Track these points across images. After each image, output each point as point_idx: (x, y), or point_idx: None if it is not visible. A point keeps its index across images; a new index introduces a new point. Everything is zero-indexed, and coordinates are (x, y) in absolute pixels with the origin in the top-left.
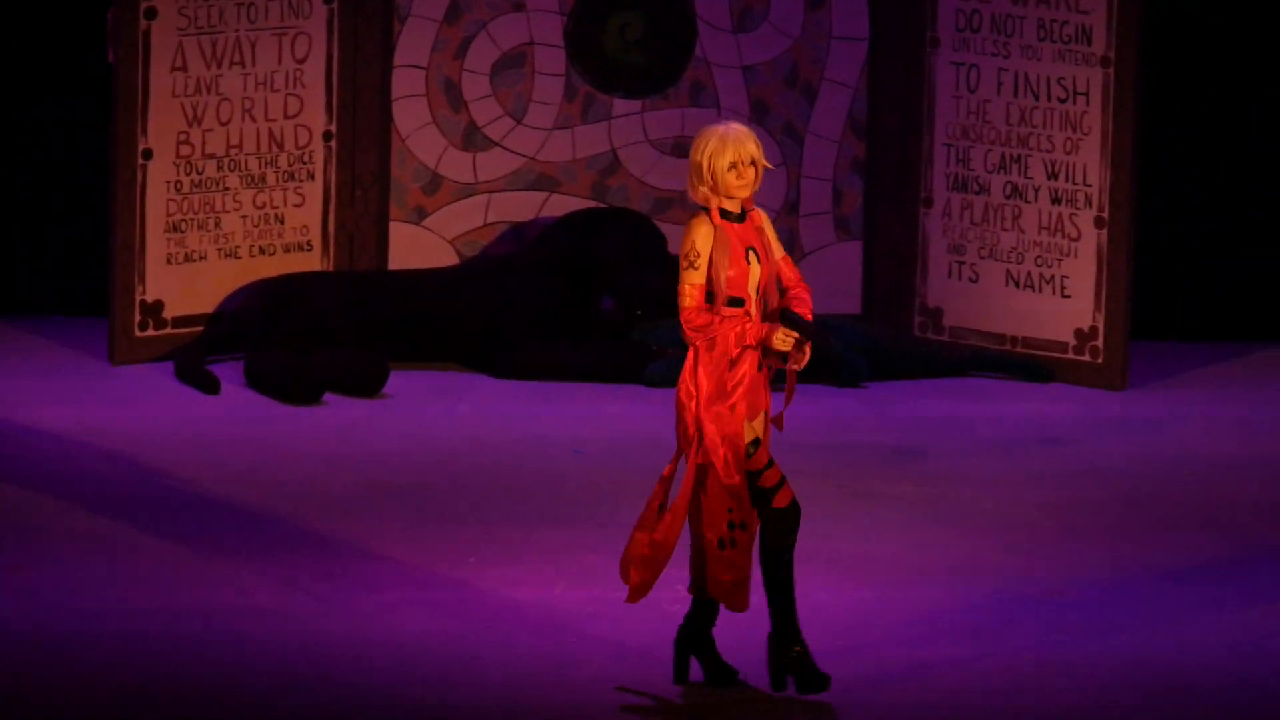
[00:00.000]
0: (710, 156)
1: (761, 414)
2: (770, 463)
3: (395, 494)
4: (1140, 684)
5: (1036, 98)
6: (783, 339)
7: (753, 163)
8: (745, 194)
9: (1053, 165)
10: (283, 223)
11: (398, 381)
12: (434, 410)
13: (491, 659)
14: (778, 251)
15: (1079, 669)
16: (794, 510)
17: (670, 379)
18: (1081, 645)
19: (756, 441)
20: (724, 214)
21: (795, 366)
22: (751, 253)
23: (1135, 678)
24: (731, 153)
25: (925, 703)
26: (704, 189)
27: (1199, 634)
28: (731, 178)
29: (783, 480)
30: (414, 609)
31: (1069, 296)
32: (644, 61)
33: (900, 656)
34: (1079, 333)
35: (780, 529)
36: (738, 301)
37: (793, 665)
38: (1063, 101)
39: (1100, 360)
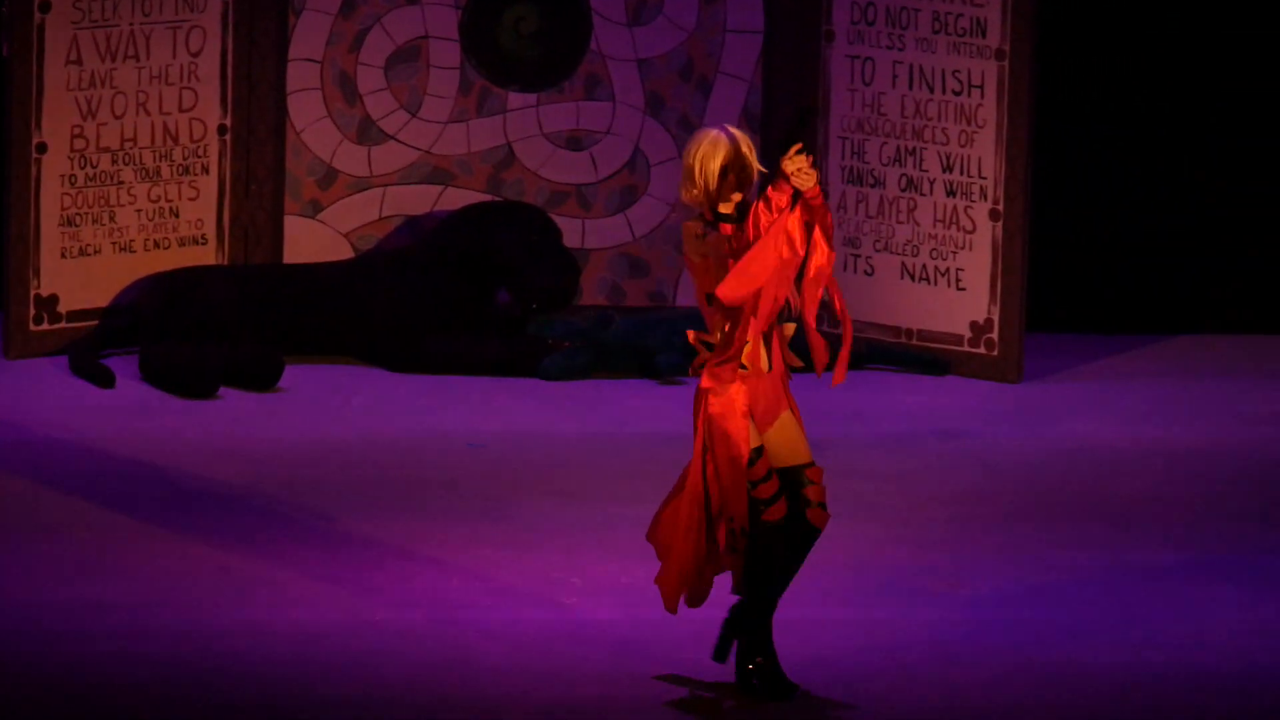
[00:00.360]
0: (702, 160)
1: (777, 422)
2: (769, 475)
3: (291, 488)
4: (1034, 673)
5: (931, 90)
6: (794, 167)
7: (744, 168)
8: (736, 197)
9: (948, 158)
10: (178, 216)
11: (293, 375)
12: (329, 404)
13: (387, 653)
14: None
15: (972, 659)
16: (783, 526)
17: (566, 372)
18: (976, 636)
19: (760, 450)
20: (722, 217)
21: (806, 185)
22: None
23: (1028, 667)
24: (724, 156)
25: (822, 696)
26: (696, 192)
27: (1091, 623)
28: (723, 181)
29: (779, 494)
30: (312, 606)
31: (964, 289)
32: (539, 55)
33: (794, 649)
34: (974, 325)
35: (765, 543)
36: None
37: (758, 673)
38: (957, 94)
39: (996, 353)
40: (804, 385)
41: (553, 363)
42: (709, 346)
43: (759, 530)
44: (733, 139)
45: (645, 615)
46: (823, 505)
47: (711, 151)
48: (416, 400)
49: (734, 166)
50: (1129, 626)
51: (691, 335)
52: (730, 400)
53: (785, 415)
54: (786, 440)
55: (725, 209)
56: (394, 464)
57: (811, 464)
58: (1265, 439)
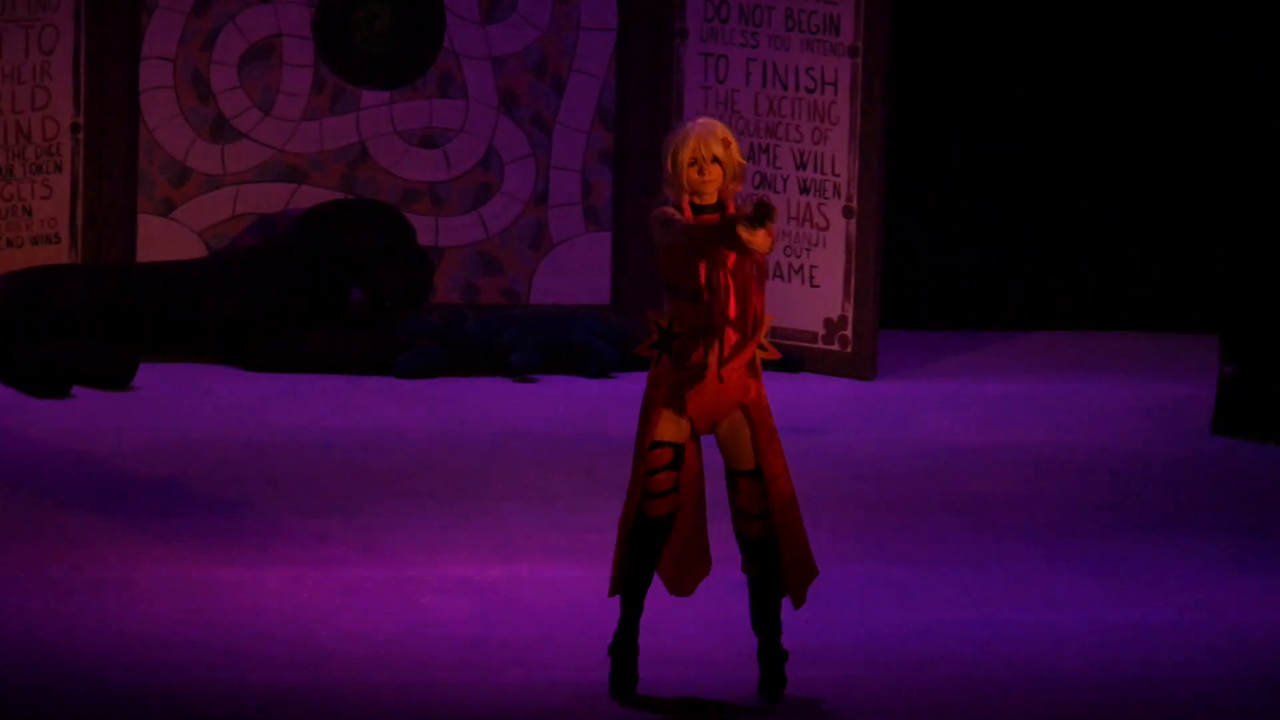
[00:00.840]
0: (674, 152)
1: (725, 422)
2: (666, 466)
3: (144, 487)
4: (884, 668)
5: (785, 88)
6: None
7: (716, 160)
8: (708, 190)
9: (801, 155)
10: (30, 215)
11: (147, 374)
12: (183, 403)
13: (244, 653)
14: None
15: (823, 654)
16: (663, 523)
17: (420, 371)
18: (828, 631)
19: (664, 444)
20: (696, 209)
21: (760, 247)
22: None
23: (881, 666)
24: (691, 149)
25: (669, 695)
26: (670, 190)
27: (945, 623)
28: (693, 173)
29: (667, 493)
30: (165, 603)
31: (818, 286)
32: (392, 53)
33: (646, 649)
34: (828, 322)
35: (641, 534)
36: (685, 294)
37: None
38: (811, 91)
39: (850, 350)
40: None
41: (406, 361)
42: (663, 331)
43: (639, 519)
44: (695, 129)
45: (497, 612)
46: (752, 515)
47: (682, 144)
48: (270, 399)
49: (703, 160)
50: (981, 621)
51: (651, 314)
52: (651, 388)
53: (734, 418)
54: (728, 442)
55: (701, 201)
56: (247, 462)
57: (748, 472)
58: (1113, 436)
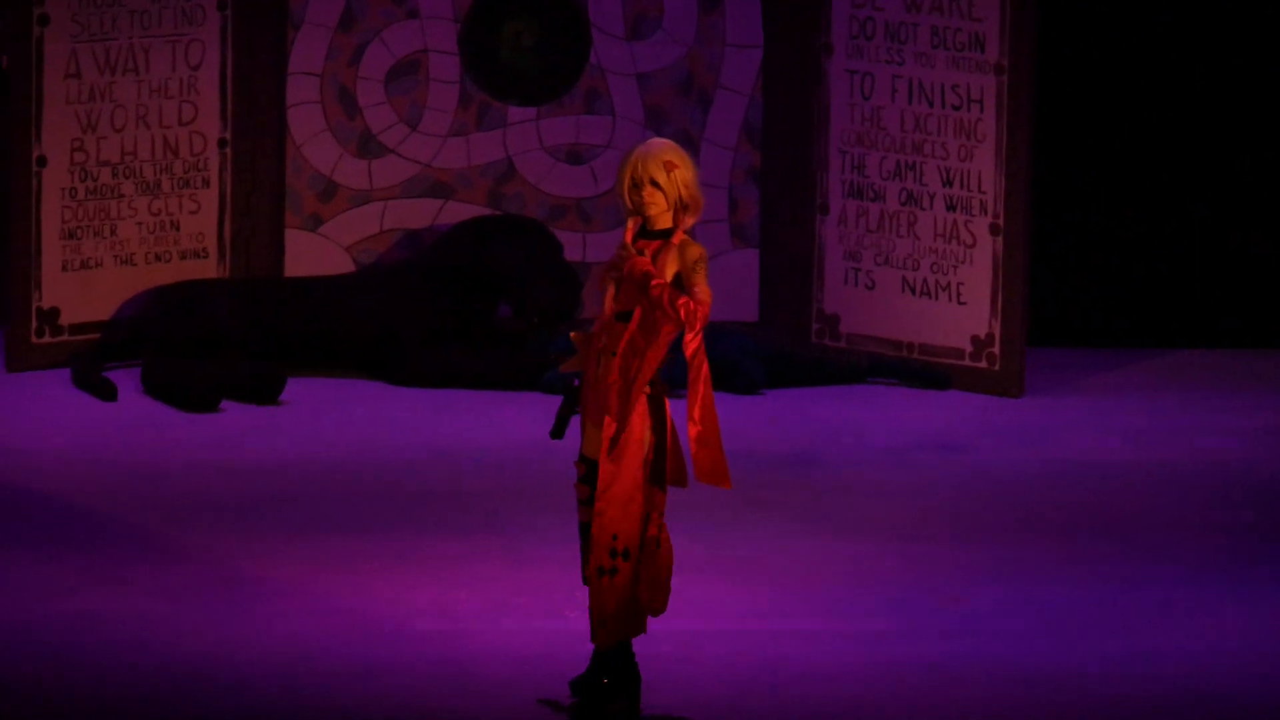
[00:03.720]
0: (620, 168)
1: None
2: (585, 476)
3: (293, 502)
4: (1033, 691)
5: (931, 104)
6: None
7: (655, 184)
8: (651, 213)
9: (948, 172)
10: (178, 230)
11: (295, 389)
12: (330, 418)
13: (391, 669)
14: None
15: (970, 675)
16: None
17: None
18: (974, 651)
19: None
20: (646, 233)
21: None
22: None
23: (1025, 684)
24: (630, 169)
25: (822, 710)
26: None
27: (1089, 640)
28: (634, 194)
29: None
30: (312, 618)
31: (965, 303)
32: (538, 69)
33: (795, 663)
34: (975, 339)
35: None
36: (625, 316)
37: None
38: (956, 109)
39: (997, 367)
40: (801, 399)
41: (554, 377)
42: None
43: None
44: (639, 150)
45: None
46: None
47: (624, 161)
48: (418, 414)
49: (640, 182)
50: (1128, 642)
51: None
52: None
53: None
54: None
55: (652, 226)
56: (395, 477)
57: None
58: (1262, 454)
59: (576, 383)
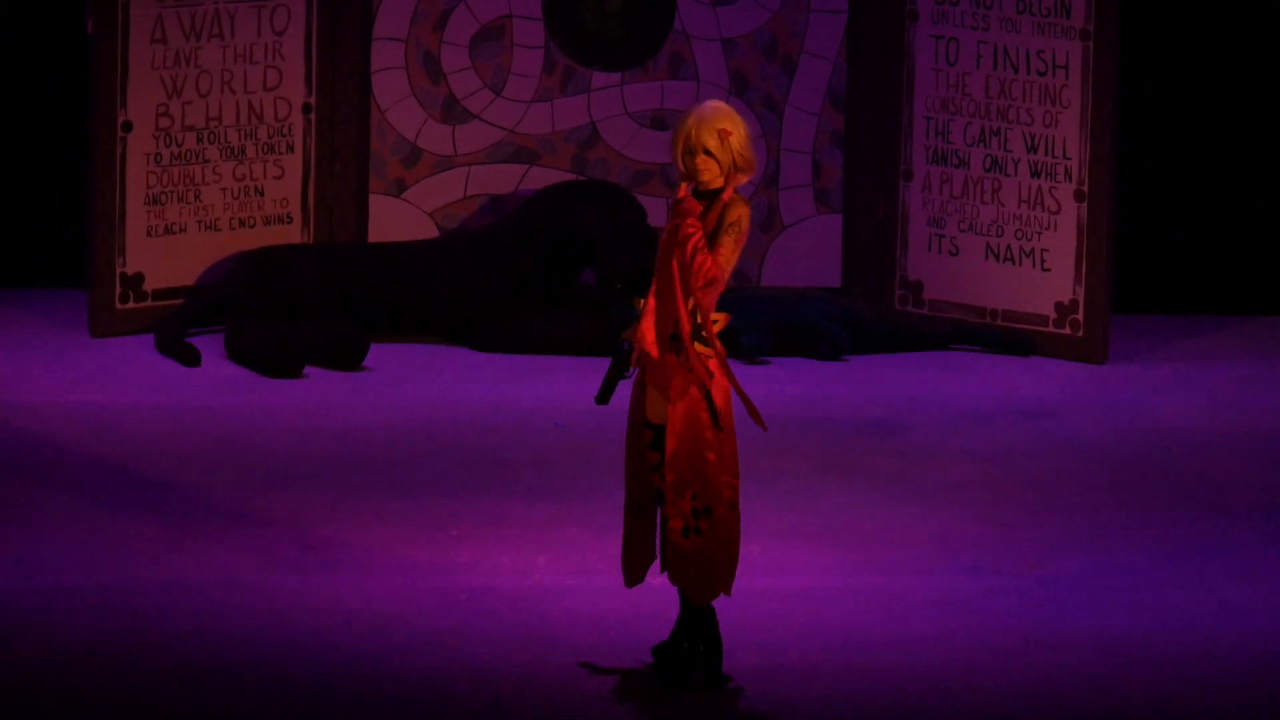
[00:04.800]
0: (674, 133)
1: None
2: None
3: (376, 467)
4: (1118, 657)
5: (1016, 70)
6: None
7: (708, 153)
8: (704, 177)
9: (1032, 138)
10: (262, 195)
11: (378, 354)
12: (415, 383)
13: (472, 634)
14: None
15: (1058, 643)
16: None
17: None
18: (1061, 619)
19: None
20: (698, 194)
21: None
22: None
23: (1113, 651)
24: (685, 137)
25: (905, 676)
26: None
27: (1176, 608)
28: (688, 160)
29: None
30: (395, 583)
31: (1049, 270)
32: (623, 34)
33: (879, 630)
34: (1059, 306)
35: None
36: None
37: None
38: (1042, 74)
39: (1080, 334)
40: (884, 365)
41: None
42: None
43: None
44: (694, 116)
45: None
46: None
47: (679, 126)
48: (501, 379)
49: (693, 150)
50: (1213, 606)
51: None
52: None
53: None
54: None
55: (704, 187)
56: (479, 443)
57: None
58: None
59: (626, 346)
